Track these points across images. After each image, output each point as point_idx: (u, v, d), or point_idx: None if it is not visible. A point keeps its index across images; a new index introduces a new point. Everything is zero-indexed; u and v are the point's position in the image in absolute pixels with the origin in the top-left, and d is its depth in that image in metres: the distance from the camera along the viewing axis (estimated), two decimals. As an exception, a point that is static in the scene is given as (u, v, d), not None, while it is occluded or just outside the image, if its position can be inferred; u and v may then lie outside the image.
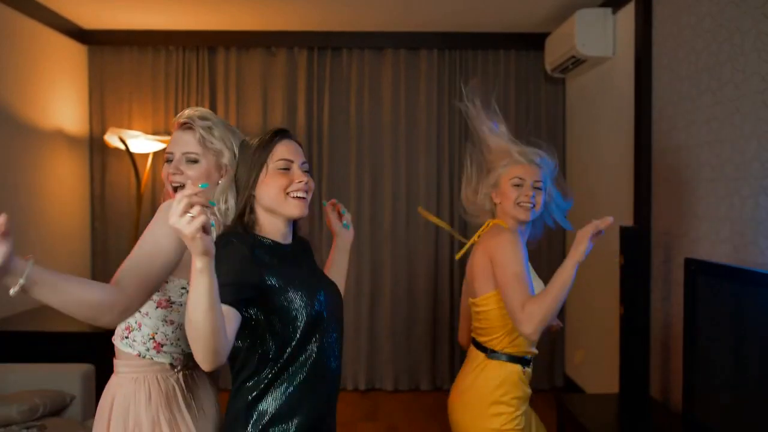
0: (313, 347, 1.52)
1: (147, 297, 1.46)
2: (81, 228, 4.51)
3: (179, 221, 1.13)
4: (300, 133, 4.63)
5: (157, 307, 1.61)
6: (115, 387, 1.63)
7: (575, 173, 4.43)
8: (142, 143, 4.25)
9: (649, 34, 3.27)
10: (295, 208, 1.55)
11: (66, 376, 2.85)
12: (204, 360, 1.27)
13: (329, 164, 4.67)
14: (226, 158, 1.64)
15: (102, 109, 4.60)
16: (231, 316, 1.35)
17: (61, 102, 4.25)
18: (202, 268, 1.17)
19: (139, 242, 1.49)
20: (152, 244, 1.47)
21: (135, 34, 4.54)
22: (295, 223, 1.67)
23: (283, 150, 1.56)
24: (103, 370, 3.06)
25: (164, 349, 1.63)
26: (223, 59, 4.63)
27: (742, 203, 2.48)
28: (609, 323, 3.60)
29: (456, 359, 4.64)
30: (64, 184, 4.26)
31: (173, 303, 1.61)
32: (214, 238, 1.21)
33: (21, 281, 1.26)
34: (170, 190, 1.65)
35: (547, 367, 4.58)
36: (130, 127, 4.53)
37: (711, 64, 2.71)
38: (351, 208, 4.65)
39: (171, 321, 1.62)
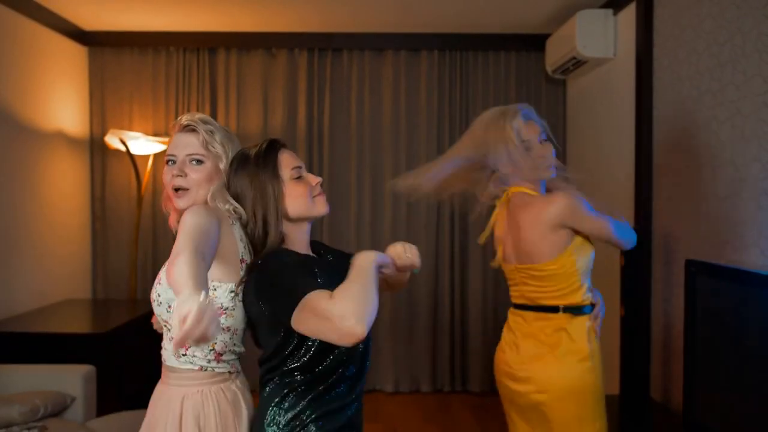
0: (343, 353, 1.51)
1: None
2: (81, 229, 4.51)
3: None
4: (300, 134, 4.63)
5: None
6: (178, 399, 1.58)
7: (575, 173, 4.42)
8: (143, 144, 4.25)
9: (650, 35, 3.27)
10: (323, 206, 1.64)
11: (67, 377, 2.85)
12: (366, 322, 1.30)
13: (330, 165, 4.67)
14: (224, 164, 1.64)
15: (102, 111, 4.60)
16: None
17: (62, 103, 4.25)
18: None
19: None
20: (182, 224, 1.45)
21: (135, 35, 4.54)
22: None
23: (288, 159, 1.60)
24: (104, 370, 3.08)
25: (224, 357, 1.61)
26: (224, 60, 4.63)
27: (743, 204, 2.48)
28: (609, 324, 3.60)
29: (456, 361, 4.64)
30: (64, 186, 4.26)
31: (226, 309, 1.57)
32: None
33: None
34: (171, 193, 1.64)
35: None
36: (130, 129, 4.53)
37: (712, 66, 2.71)
38: (351, 208, 4.65)
39: (227, 327, 1.59)
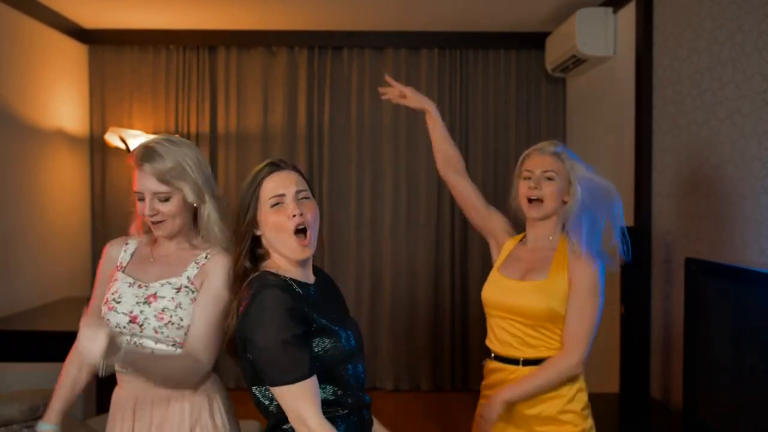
0: (345, 379, 1.49)
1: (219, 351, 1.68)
2: (81, 228, 4.52)
3: None
4: (300, 132, 4.63)
5: None
6: (179, 400, 1.69)
7: (576, 173, 4.42)
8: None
9: (650, 33, 3.27)
10: (297, 252, 1.48)
11: (66, 376, 2.84)
12: None
13: (330, 164, 4.67)
14: (190, 196, 1.70)
15: (102, 109, 4.60)
16: (309, 389, 1.37)
17: (62, 101, 4.25)
18: None
19: (201, 307, 1.65)
20: (214, 304, 1.65)
21: (135, 33, 4.54)
22: None
23: (272, 185, 1.50)
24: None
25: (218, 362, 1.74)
26: (224, 58, 4.63)
27: (743, 203, 2.48)
28: (609, 323, 3.60)
29: (456, 359, 4.64)
30: (64, 184, 4.26)
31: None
32: None
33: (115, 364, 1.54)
34: (150, 224, 1.73)
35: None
36: (130, 127, 4.53)
37: (712, 64, 2.70)
38: (351, 207, 4.65)
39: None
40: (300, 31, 4.56)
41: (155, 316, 1.65)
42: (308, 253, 1.50)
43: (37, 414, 2.60)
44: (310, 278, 1.58)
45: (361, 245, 4.65)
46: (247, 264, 1.52)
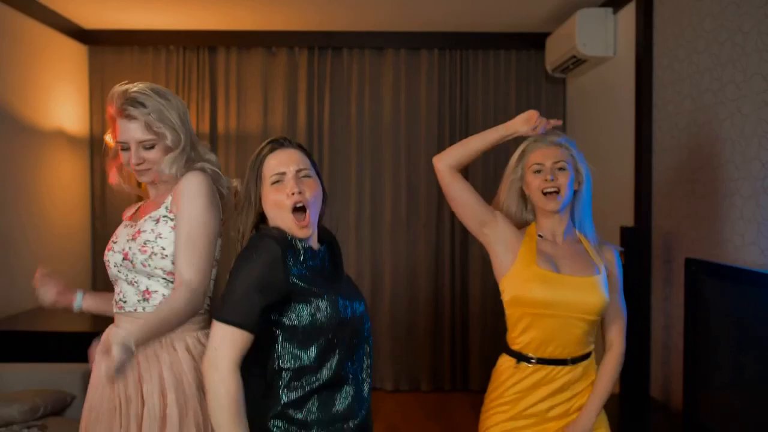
0: (334, 360, 1.47)
1: (211, 272, 1.71)
2: (81, 228, 4.51)
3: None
4: (300, 132, 4.63)
5: None
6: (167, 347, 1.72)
7: (576, 173, 4.43)
8: (143, 143, 4.24)
9: (650, 34, 3.27)
10: (295, 230, 1.49)
11: (66, 376, 2.85)
12: None
13: (330, 163, 4.67)
14: (169, 139, 1.73)
15: (102, 109, 4.60)
16: (240, 340, 1.39)
17: (62, 102, 4.25)
18: None
19: (178, 226, 1.67)
20: (199, 225, 1.66)
21: (135, 33, 4.54)
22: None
23: (273, 163, 1.52)
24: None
25: (206, 301, 1.76)
26: (224, 59, 4.63)
27: (743, 203, 2.48)
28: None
29: (456, 359, 4.64)
30: (64, 184, 4.26)
31: (217, 260, 1.79)
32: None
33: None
34: (135, 171, 1.77)
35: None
36: (130, 127, 4.52)
37: (712, 65, 2.70)
38: (351, 208, 4.65)
39: (212, 277, 1.79)
40: (300, 31, 4.56)
41: (140, 249, 1.70)
42: (307, 232, 1.50)
43: (37, 414, 2.60)
44: (315, 246, 1.57)
45: (361, 245, 4.65)
46: (273, 231, 1.53)
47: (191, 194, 1.68)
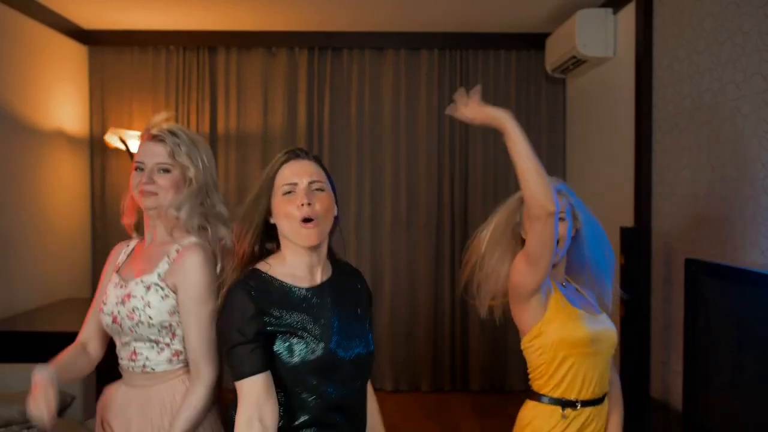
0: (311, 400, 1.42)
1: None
2: (81, 228, 4.51)
3: None
4: (300, 133, 4.63)
5: None
6: (165, 392, 1.71)
7: (575, 173, 4.42)
8: (143, 143, 4.24)
9: (650, 34, 3.27)
10: (303, 238, 1.45)
11: (66, 376, 2.84)
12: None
13: (330, 164, 4.66)
14: (191, 173, 1.73)
15: (102, 109, 4.60)
16: (266, 384, 1.38)
17: (62, 102, 4.25)
18: None
19: (187, 313, 1.66)
20: (209, 314, 1.66)
21: (135, 34, 4.54)
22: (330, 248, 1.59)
23: (286, 173, 1.48)
24: (103, 370, 3.07)
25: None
26: (224, 59, 4.63)
27: (743, 203, 2.48)
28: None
29: (456, 360, 4.64)
30: (64, 185, 4.26)
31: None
32: None
33: None
34: (137, 195, 1.74)
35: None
36: (130, 128, 4.53)
37: (712, 65, 2.70)
38: (351, 208, 4.65)
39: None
40: (300, 31, 4.56)
41: (127, 315, 1.68)
42: (314, 240, 1.46)
43: (37, 415, 2.60)
44: (315, 279, 1.52)
45: (361, 245, 4.65)
46: (256, 249, 1.52)
47: (195, 280, 1.67)
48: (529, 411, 1.86)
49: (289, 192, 1.47)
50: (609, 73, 3.86)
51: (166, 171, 1.72)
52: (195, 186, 1.73)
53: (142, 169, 1.73)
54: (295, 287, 1.48)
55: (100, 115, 4.60)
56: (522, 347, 1.88)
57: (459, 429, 3.96)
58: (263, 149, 4.63)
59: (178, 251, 1.72)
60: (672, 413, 2.89)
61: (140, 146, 1.75)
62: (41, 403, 1.62)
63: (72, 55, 4.41)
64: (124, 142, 4.15)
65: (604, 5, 3.79)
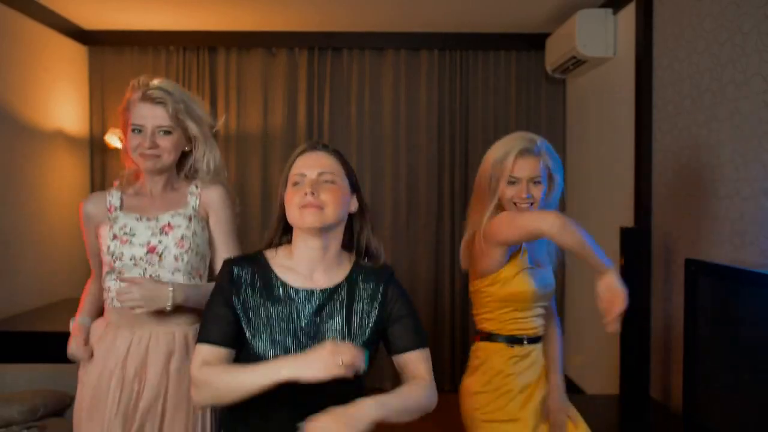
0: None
1: None
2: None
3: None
4: (300, 133, 4.63)
5: None
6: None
7: (575, 174, 4.42)
8: (143, 143, 4.24)
9: (650, 34, 3.27)
10: (302, 218, 1.43)
11: (66, 377, 2.84)
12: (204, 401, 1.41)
13: (330, 164, 4.66)
14: (194, 130, 1.77)
15: (102, 110, 4.60)
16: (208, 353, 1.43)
17: (62, 102, 4.25)
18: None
19: (222, 240, 1.82)
20: (232, 233, 1.86)
21: (135, 34, 4.54)
22: (368, 251, 1.61)
23: (299, 164, 1.50)
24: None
25: None
26: (224, 59, 4.63)
27: (743, 204, 2.48)
28: (609, 324, 3.59)
29: (456, 359, 4.64)
30: (64, 185, 4.26)
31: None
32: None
33: None
34: (137, 157, 1.75)
35: (547, 367, 4.58)
36: (130, 128, 4.52)
37: (712, 65, 2.71)
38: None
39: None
40: (300, 32, 4.56)
41: (175, 244, 1.71)
42: (311, 221, 1.42)
43: (36, 415, 2.60)
44: (313, 282, 1.50)
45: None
46: (275, 241, 1.57)
47: (223, 208, 1.82)
48: (482, 351, 2.06)
49: (297, 183, 1.48)
50: (609, 74, 3.86)
51: (168, 133, 1.74)
52: (201, 139, 1.79)
53: (140, 131, 1.72)
54: (287, 284, 1.48)
55: (100, 115, 4.60)
56: (471, 289, 2.10)
57: (459, 429, 3.95)
58: (263, 149, 4.63)
59: (197, 186, 1.81)
60: (672, 413, 2.89)
61: (135, 108, 1.73)
62: (81, 344, 1.84)
63: (72, 55, 4.41)
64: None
65: (604, 5, 3.79)
